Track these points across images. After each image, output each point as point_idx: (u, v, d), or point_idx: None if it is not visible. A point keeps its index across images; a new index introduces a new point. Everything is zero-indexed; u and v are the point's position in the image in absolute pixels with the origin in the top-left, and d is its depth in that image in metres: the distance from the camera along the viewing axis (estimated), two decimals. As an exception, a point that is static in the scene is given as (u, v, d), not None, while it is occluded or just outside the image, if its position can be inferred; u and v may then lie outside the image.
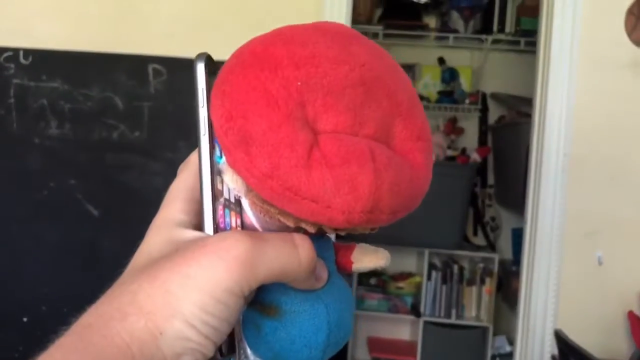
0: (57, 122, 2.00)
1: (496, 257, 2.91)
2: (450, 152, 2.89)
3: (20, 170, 2.02)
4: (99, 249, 2.01)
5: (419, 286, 2.96)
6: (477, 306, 2.89)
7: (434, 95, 3.04)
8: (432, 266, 2.92)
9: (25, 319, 2.03)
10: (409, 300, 2.97)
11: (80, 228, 2.00)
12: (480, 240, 3.10)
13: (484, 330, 2.86)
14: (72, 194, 2.00)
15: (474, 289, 2.90)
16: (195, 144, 0.39)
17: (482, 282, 2.90)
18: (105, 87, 1.99)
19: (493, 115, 3.07)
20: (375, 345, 3.03)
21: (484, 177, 3.07)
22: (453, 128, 3.05)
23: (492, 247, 3.05)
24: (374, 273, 3.04)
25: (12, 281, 2.03)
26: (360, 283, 2.96)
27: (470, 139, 3.09)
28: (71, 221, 2.00)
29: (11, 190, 2.02)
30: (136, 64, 1.98)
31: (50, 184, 2.01)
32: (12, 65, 2.00)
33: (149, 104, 1.99)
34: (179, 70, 1.99)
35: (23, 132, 2.01)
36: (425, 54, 3.08)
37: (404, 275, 3.06)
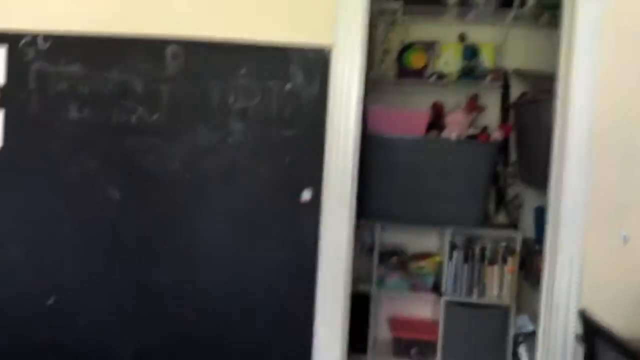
0: (76, 106, 2.01)
1: (519, 235, 2.88)
2: (471, 131, 2.85)
3: (42, 155, 2.04)
4: (120, 230, 2.03)
5: (440, 265, 2.95)
6: (499, 285, 2.88)
7: (454, 73, 2.99)
8: (453, 245, 2.90)
9: (49, 302, 2.06)
10: (430, 279, 2.96)
11: (102, 210, 2.02)
12: (502, 218, 3.07)
13: (506, 309, 2.84)
14: (92, 177, 2.02)
15: (496, 268, 2.88)
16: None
17: (504, 261, 2.87)
18: (123, 70, 1.99)
19: (515, 92, 3.02)
20: (397, 324, 3.04)
21: (506, 155, 3.03)
22: (474, 106, 3.00)
23: (514, 225, 3.02)
24: (394, 252, 3.03)
25: (36, 264, 2.06)
26: (380, 262, 2.96)
27: (492, 116, 3.04)
28: (92, 203, 2.02)
29: (34, 174, 2.04)
30: (154, 46, 1.98)
31: (72, 167, 2.02)
32: (32, 50, 2.01)
33: (167, 86, 1.99)
34: (196, 52, 1.98)
35: (44, 116, 2.02)
36: (445, 30, 3.02)
37: (425, 255, 3.04)
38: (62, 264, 2.05)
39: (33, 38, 2.00)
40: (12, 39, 2.00)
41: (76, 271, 2.05)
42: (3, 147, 2.03)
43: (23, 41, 2.00)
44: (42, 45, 2.00)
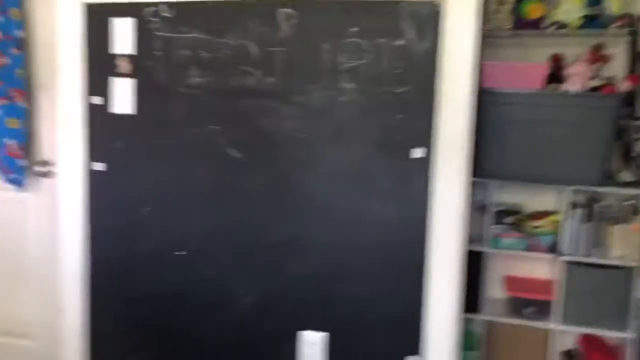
0: (198, 72, 2.12)
1: (645, 193, 2.71)
2: (595, 83, 2.68)
3: (168, 120, 2.18)
4: (240, 188, 2.14)
5: (558, 225, 2.85)
6: (622, 245, 2.73)
7: (576, 22, 2.82)
8: (573, 204, 2.78)
9: (178, 253, 2.23)
10: (548, 239, 2.87)
11: (223, 170, 2.14)
12: (627, 176, 2.90)
13: (630, 270, 2.71)
14: (214, 138, 2.13)
15: (620, 227, 2.73)
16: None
17: (629, 220, 2.72)
18: (239, 34, 2.07)
19: (645, 40, 2.80)
20: (512, 283, 2.99)
21: (633, 108, 2.83)
22: (598, 56, 2.82)
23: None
24: (510, 211, 2.96)
25: (165, 223, 2.23)
26: (496, 221, 2.90)
27: (618, 67, 2.84)
28: (215, 164, 2.15)
29: (161, 138, 2.20)
30: (267, 9, 2.03)
31: (195, 130, 2.15)
32: (156, 19, 2.13)
33: (281, 48, 2.04)
34: (308, 12, 2.01)
35: (169, 83, 2.15)
36: (566, -24, 2.84)
37: (542, 214, 2.95)
38: (189, 221, 2.20)
39: (157, 7, 2.12)
40: (137, 10, 2.14)
41: (202, 227, 2.20)
42: (135, 115, 2.20)
43: (148, 11, 2.13)
44: (165, 13, 2.12)
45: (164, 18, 2.12)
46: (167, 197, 2.21)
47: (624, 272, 2.71)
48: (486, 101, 2.48)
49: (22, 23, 2.47)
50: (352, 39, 1.98)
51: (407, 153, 1.98)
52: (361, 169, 2.03)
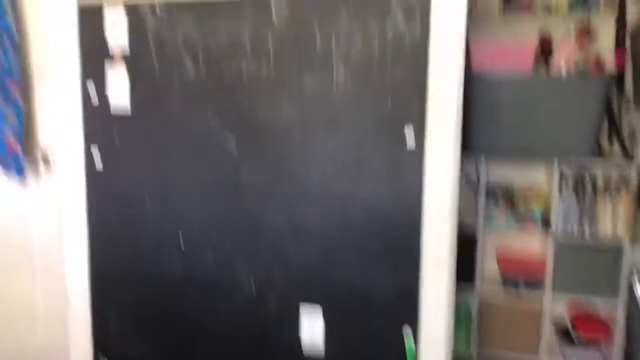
0: (192, 65, 2.15)
1: (634, 166, 2.77)
2: (582, 61, 2.72)
3: (165, 114, 2.21)
4: (239, 177, 2.19)
5: (548, 200, 2.90)
6: (612, 219, 2.80)
7: (564, 3, 2.84)
8: (562, 178, 2.84)
9: (181, 238, 2.28)
10: (539, 214, 2.93)
11: (221, 160, 2.18)
12: (616, 153, 2.95)
13: (620, 243, 2.77)
14: (211, 128, 2.17)
15: (609, 200, 2.80)
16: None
17: (618, 192, 2.78)
18: (232, 24, 2.09)
19: (633, 17, 2.83)
20: (504, 260, 3.05)
21: (621, 85, 2.88)
22: (585, 35, 2.85)
23: (629, 156, 2.89)
24: (500, 187, 3.02)
25: (167, 212, 2.27)
26: (488, 199, 2.96)
27: (606, 44, 2.88)
28: (212, 154, 2.18)
29: (160, 133, 2.23)
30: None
31: (192, 121, 2.18)
32: (149, 16, 2.15)
33: (274, 36, 2.07)
34: (300, 1, 2.03)
35: (164, 78, 2.18)
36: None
37: (533, 189, 3.01)
38: (190, 210, 2.25)
39: (150, 4, 2.14)
40: (131, 8, 2.16)
41: (202, 216, 2.24)
42: (130, 110, 2.23)
43: (141, 8, 2.15)
44: (159, 9, 2.14)
45: (157, 14, 2.14)
46: (167, 190, 2.26)
47: (614, 245, 2.78)
48: (476, 83, 2.52)
49: (14, 24, 2.48)
50: (344, 24, 2.01)
51: (399, 136, 2.02)
52: (354, 153, 2.07)
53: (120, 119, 2.25)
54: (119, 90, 2.23)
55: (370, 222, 2.09)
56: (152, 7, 2.14)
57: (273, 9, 2.05)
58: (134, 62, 2.20)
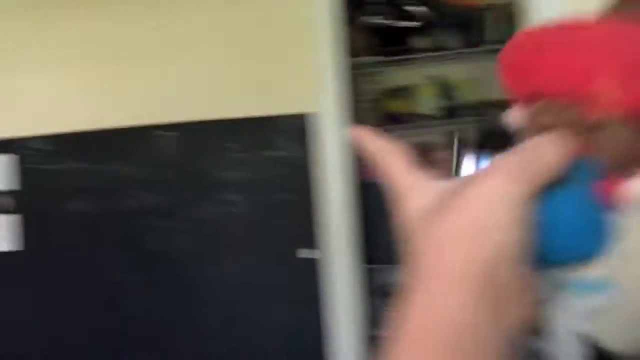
0: (84, 199, 2.13)
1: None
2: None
3: (55, 250, 2.15)
4: (133, 308, 2.11)
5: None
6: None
7: (435, 112, 3.10)
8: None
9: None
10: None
11: (111, 291, 2.12)
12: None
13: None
14: (103, 261, 2.12)
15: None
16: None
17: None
18: (122, 159, 2.12)
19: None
20: None
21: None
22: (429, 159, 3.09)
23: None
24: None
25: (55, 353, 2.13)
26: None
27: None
28: (103, 287, 2.12)
29: (49, 272, 2.14)
30: (149, 133, 2.11)
31: (79, 253, 2.13)
32: (38, 153, 2.14)
33: (166, 168, 2.11)
34: (189, 133, 2.11)
35: (54, 213, 2.14)
36: (420, 72, 3.14)
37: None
38: (79, 349, 2.13)
39: (38, 141, 2.14)
40: (19, 145, 2.14)
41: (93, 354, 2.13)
42: (22, 250, 2.15)
43: (29, 145, 2.14)
44: (46, 146, 2.14)
45: (46, 151, 2.14)
46: (55, 331, 2.14)
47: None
48: (367, 193, 2.64)
49: None
50: (234, 154, 2.08)
51: (297, 254, 2.06)
52: (253, 275, 2.08)
53: (6, 263, 2.15)
54: (6, 233, 2.15)
55: (273, 342, 2.07)
56: (40, 145, 2.13)
57: (162, 142, 2.11)
58: (25, 202, 2.14)
